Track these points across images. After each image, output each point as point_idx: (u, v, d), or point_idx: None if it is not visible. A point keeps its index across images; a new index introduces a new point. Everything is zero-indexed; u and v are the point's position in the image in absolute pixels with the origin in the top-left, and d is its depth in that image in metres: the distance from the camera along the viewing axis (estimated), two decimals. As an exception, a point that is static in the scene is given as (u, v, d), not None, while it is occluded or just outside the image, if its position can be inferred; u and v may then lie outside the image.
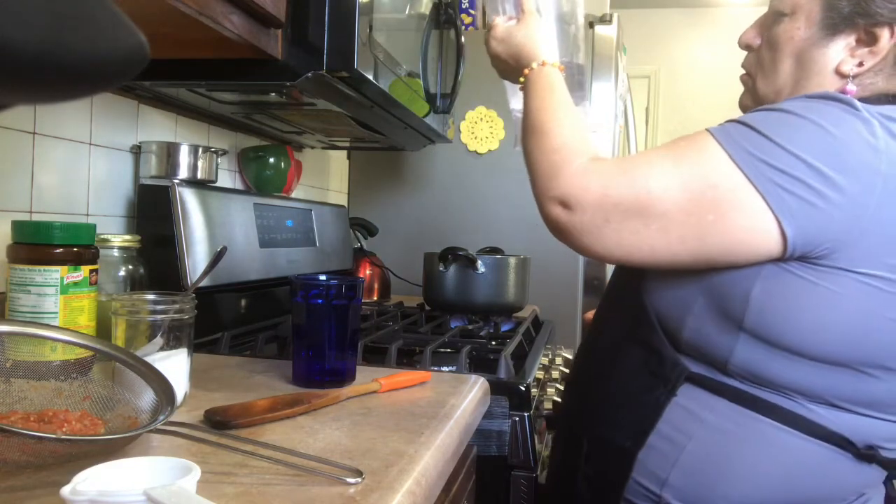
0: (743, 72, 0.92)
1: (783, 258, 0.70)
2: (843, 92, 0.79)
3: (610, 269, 2.11)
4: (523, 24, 0.99)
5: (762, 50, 0.88)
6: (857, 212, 0.67)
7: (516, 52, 0.96)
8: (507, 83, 1.08)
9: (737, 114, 0.80)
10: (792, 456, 0.74)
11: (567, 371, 1.43)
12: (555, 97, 0.87)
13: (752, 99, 0.90)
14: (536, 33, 0.97)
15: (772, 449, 0.74)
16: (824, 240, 0.68)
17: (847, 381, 0.73)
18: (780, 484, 0.75)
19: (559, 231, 0.76)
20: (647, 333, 0.81)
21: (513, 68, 0.98)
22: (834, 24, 0.80)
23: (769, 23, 0.87)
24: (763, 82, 0.87)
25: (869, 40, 0.78)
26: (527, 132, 0.85)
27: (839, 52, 0.80)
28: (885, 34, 0.77)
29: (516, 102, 1.06)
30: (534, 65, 0.93)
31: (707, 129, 0.73)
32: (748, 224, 0.68)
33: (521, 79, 0.94)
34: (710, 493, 0.75)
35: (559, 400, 1.19)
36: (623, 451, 0.80)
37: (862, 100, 0.75)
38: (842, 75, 0.80)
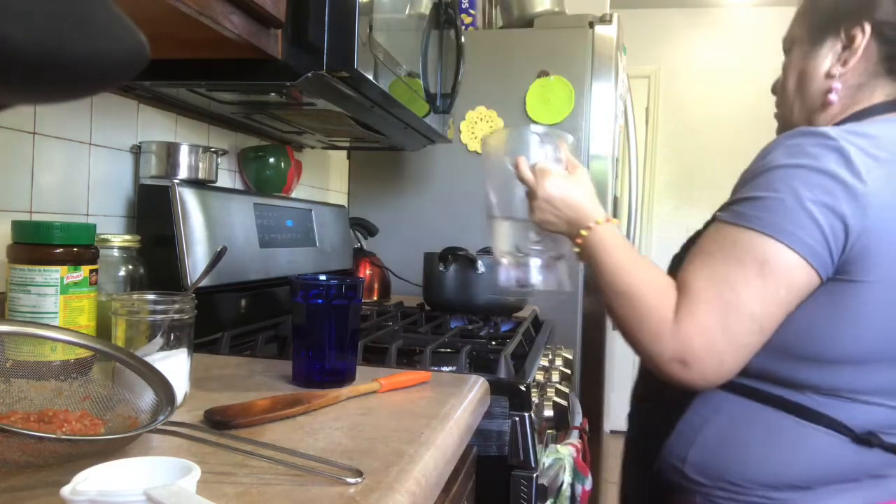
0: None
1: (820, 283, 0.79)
2: (830, 90, 0.91)
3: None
4: (578, 178, 0.99)
5: (780, 83, 1.01)
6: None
7: (576, 207, 0.96)
8: (496, 225, 1.07)
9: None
10: (792, 440, 0.83)
11: (568, 371, 1.43)
12: (629, 254, 0.90)
13: (779, 122, 1.01)
14: (591, 188, 0.99)
15: (775, 433, 0.84)
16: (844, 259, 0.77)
17: (848, 374, 0.81)
18: (782, 464, 0.83)
19: (686, 384, 0.82)
20: None
21: (569, 223, 0.97)
22: (817, 35, 0.92)
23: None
24: (786, 108, 0.98)
25: (848, 42, 0.89)
26: (612, 294, 0.88)
27: (827, 57, 0.92)
28: (858, 33, 0.88)
29: (504, 244, 1.06)
30: (596, 222, 0.94)
31: (722, 220, 0.82)
32: (805, 280, 0.78)
33: (583, 232, 0.94)
34: (721, 469, 0.86)
35: (560, 400, 1.19)
36: (658, 431, 0.92)
37: (859, 113, 0.88)
38: (829, 76, 0.91)
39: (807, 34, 0.95)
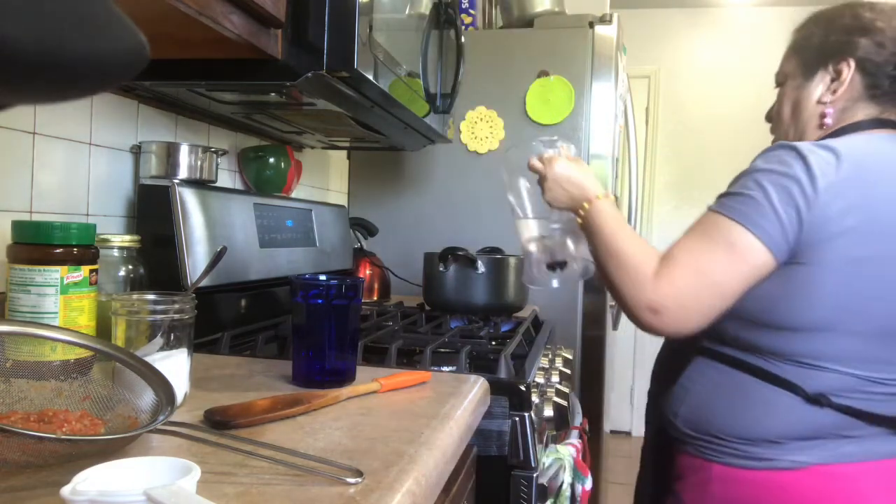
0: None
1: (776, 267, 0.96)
2: (823, 115, 1.08)
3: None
4: (580, 163, 1.20)
5: (774, 113, 1.18)
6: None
7: (579, 184, 1.15)
8: (521, 223, 1.27)
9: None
10: (759, 400, 0.99)
11: (568, 371, 1.43)
12: (623, 224, 1.08)
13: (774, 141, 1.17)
14: (591, 171, 1.18)
15: (746, 394, 1.00)
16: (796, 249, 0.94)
17: (802, 341, 0.96)
18: (753, 421, 0.99)
19: (653, 330, 0.98)
20: None
21: (573, 198, 1.15)
22: (809, 70, 1.10)
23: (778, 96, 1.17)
24: (783, 134, 1.16)
25: (836, 74, 1.06)
26: (604, 260, 1.05)
27: (818, 88, 1.09)
28: (844, 68, 1.05)
29: (529, 234, 1.25)
30: (597, 196, 1.12)
31: (710, 209, 1.00)
32: (764, 260, 0.94)
33: (585, 205, 1.12)
34: (706, 424, 1.03)
35: (560, 400, 1.19)
36: (658, 393, 1.13)
37: (838, 131, 1.06)
38: (821, 103, 1.08)
39: (799, 69, 1.12)
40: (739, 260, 0.94)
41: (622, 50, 2.21)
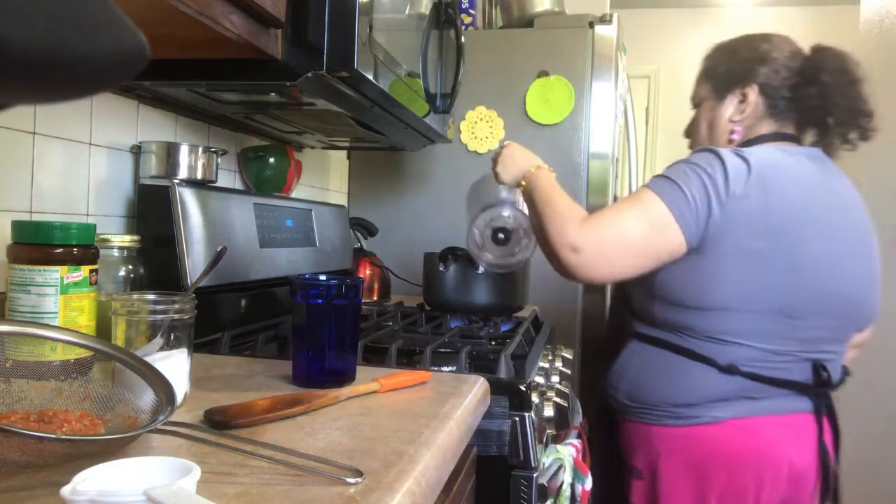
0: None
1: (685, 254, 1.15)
2: (732, 132, 1.31)
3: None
4: (525, 148, 1.43)
5: (693, 131, 1.40)
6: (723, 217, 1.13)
7: (523, 160, 1.37)
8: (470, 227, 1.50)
9: None
10: (681, 372, 1.20)
11: (568, 371, 1.43)
12: (557, 187, 1.27)
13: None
14: (533, 154, 1.41)
15: (670, 368, 1.21)
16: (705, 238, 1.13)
17: (713, 319, 1.16)
18: (678, 389, 1.20)
19: (569, 270, 1.15)
20: (623, 309, 1.34)
21: (517, 170, 1.37)
22: (720, 94, 1.32)
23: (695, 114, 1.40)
24: (693, 142, 1.40)
25: (743, 97, 1.28)
26: (540, 210, 1.23)
27: (728, 109, 1.30)
28: (750, 91, 1.27)
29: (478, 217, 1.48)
30: (538, 167, 1.34)
31: (645, 185, 1.18)
32: (676, 239, 1.13)
33: (532, 169, 1.33)
34: (641, 395, 1.25)
35: (560, 401, 1.19)
36: (603, 379, 1.32)
37: (746, 142, 1.28)
38: (732, 122, 1.30)
39: (712, 94, 1.33)
40: (659, 234, 1.12)
41: (622, 50, 2.21)
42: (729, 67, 1.30)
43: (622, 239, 1.12)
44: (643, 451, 1.25)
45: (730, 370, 1.16)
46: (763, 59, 1.25)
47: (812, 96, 1.22)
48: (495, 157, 1.42)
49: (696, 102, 1.37)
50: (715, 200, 1.11)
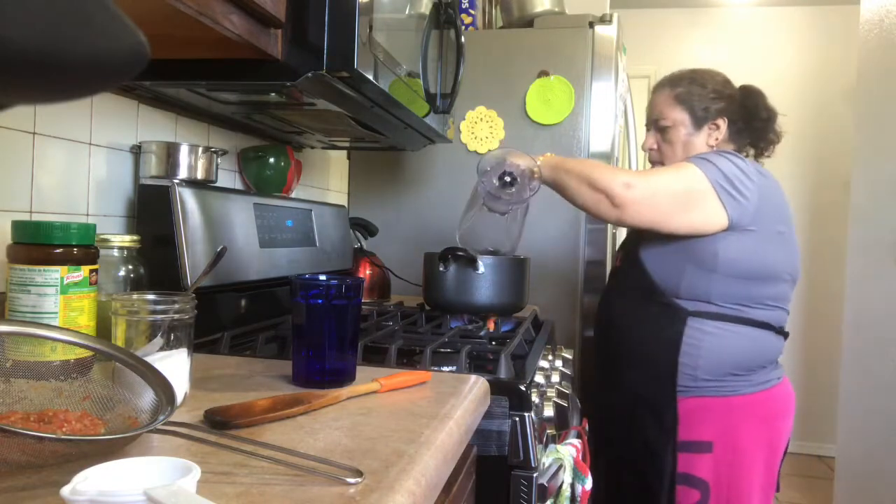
0: (651, 151, 1.61)
1: (727, 229, 1.38)
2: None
3: (608, 270, 2.11)
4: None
5: (663, 147, 1.56)
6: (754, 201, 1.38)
7: (531, 158, 1.50)
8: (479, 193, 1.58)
9: None
10: (750, 339, 1.41)
11: (568, 371, 1.43)
12: (574, 160, 1.56)
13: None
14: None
15: (742, 338, 1.41)
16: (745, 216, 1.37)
17: (762, 288, 1.40)
18: (750, 356, 1.42)
19: (623, 203, 1.34)
20: (659, 296, 1.45)
21: (531, 158, 1.49)
22: (699, 124, 1.53)
23: (660, 132, 1.57)
24: (668, 162, 1.55)
25: (716, 126, 1.53)
26: (578, 169, 1.41)
27: (705, 135, 1.53)
28: (721, 123, 1.52)
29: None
30: (542, 158, 1.49)
31: (688, 161, 1.42)
32: (710, 211, 1.37)
33: (539, 160, 1.48)
34: (717, 365, 1.40)
35: (560, 401, 1.19)
36: (666, 362, 1.42)
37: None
38: (708, 146, 1.53)
39: (689, 121, 1.53)
40: (699, 197, 1.36)
41: (622, 50, 2.21)
42: (705, 104, 1.52)
43: (668, 188, 1.36)
44: (715, 423, 1.40)
45: (780, 331, 1.44)
46: (729, 97, 1.54)
47: (757, 127, 1.55)
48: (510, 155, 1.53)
49: (669, 125, 1.53)
50: (747, 183, 1.36)
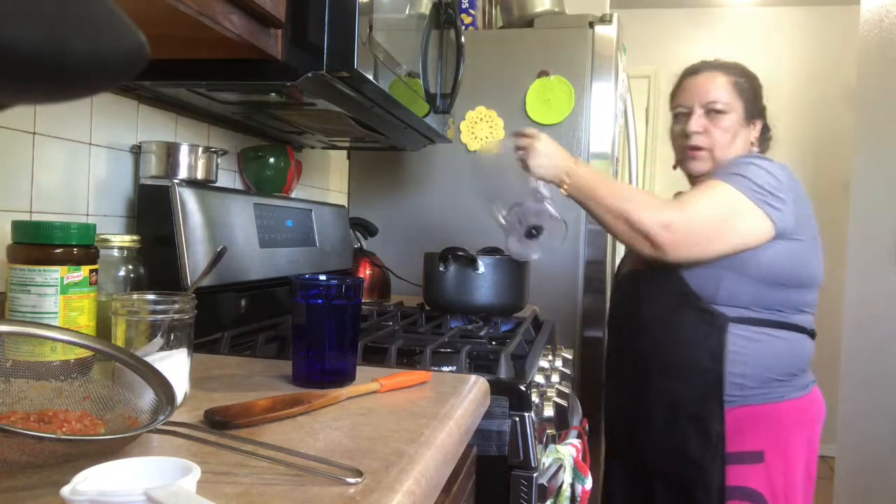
0: (699, 149, 1.48)
1: (773, 238, 1.33)
2: (750, 151, 1.48)
3: (608, 270, 2.11)
4: (549, 138, 1.43)
5: (714, 132, 1.45)
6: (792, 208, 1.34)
7: (558, 155, 1.40)
8: (493, 208, 1.52)
9: None
10: (792, 343, 1.38)
11: (568, 371, 1.43)
12: (609, 177, 1.38)
13: (712, 164, 1.47)
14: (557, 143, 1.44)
15: (784, 343, 1.37)
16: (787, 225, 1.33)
17: (802, 295, 1.38)
18: (795, 360, 1.38)
19: (664, 246, 1.28)
20: (695, 301, 1.37)
21: (554, 167, 1.39)
22: (748, 119, 1.47)
23: (710, 116, 1.45)
24: (721, 152, 1.45)
25: (754, 126, 1.48)
26: (608, 202, 1.33)
27: (747, 132, 1.48)
28: (759, 124, 1.49)
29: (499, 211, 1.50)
30: (573, 163, 1.38)
31: (717, 179, 1.35)
32: (754, 224, 1.32)
33: (572, 164, 1.38)
34: (764, 372, 1.35)
35: (560, 400, 1.19)
36: (710, 371, 1.35)
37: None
38: (749, 144, 1.48)
39: (742, 112, 1.46)
40: (740, 217, 1.30)
41: (622, 50, 2.21)
42: (754, 100, 1.47)
43: (707, 218, 1.30)
44: (765, 432, 1.35)
45: (813, 335, 1.42)
46: (763, 97, 1.51)
47: (768, 131, 1.55)
48: (524, 148, 1.40)
49: (725, 110, 1.44)
50: (781, 188, 1.32)
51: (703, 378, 1.35)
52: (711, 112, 1.44)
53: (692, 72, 1.51)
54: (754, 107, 1.47)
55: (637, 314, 1.47)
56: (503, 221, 1.45)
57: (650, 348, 1.43)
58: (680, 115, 1.50)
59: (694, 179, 1.51)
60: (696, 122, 1.45)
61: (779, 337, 1.35)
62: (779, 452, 1.34)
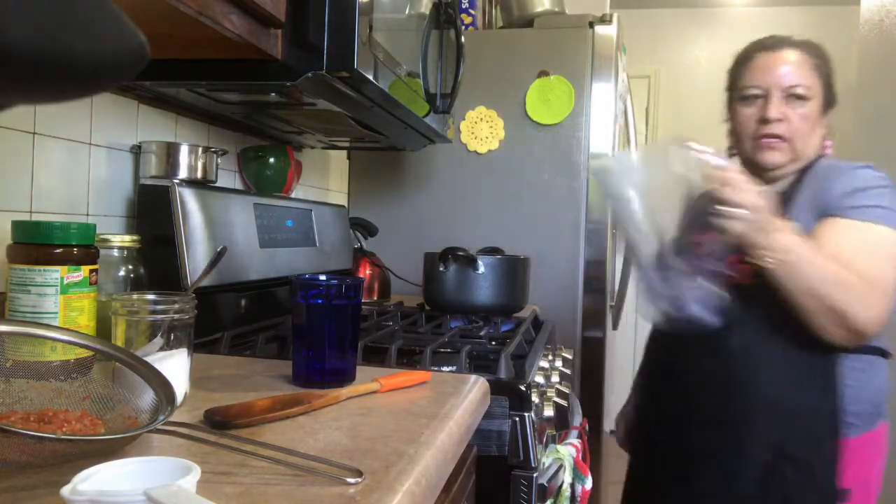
0: (774, 138, 1.26)
1: None
2: (826, 147, 1.32)
3: (608, 270, 2.11)
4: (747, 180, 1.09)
5: (795, 120, 1.25)
6: None
7: (767, 216, 1.07)
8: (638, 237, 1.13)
9: None
10: (883, 369, 1.26)
11: (568, 371, 1.43)
12: (818, 255, 1.10)
13: (792, 155, 1.27)
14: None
15: (879, 369, 1.26)
16: None
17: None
18: (884, 384, 1.28)
19: (870, 337, 1.14)
20: (786, 331, 1.14)
21: (757, 229, 1.06)
22: (827, 106, 1.28)
23: (791, 102, 1.25)
24: (802, 143, 1.26)
25: (830, 116, 1.29)
26: (821, 282, 1.08)
27: (824, 124, 1.28)
28: (831, 113, 1.29)
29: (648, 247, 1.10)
30: (781, 224, 1.09)
31: (867, 221, 1.14)
32: None
33: (778, 237, 1.07)
34: (866, 403, 1.24)
35: (560, 400, 1.19)
36: (819, 406, 1.18)
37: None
38: (822, 140, 1.30)
39: (821, 100, 1.27)
40: None
41: (622, 50, 2.21)
42: (830, 86, 1.29)
43: (892, 281, 1.13)
44: (852, 466, 1.19)
45: (886, 356, 1.26)
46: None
47: None
48: (722, 185, 1.05)
49: (808, 95, 1.25)
50: None
51: (812, 416, 1.18)
52: (791, 97, 1.25)
53: (767, 47, 1.29)
54: (831, 94, 1.29)
55: (731, 359, 1.21)
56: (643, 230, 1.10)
57: (750, 393, 1.20)
58: (750, 98, 1.28)
59: (760, 170, 1.28)
60: (776, 108, 1.24)
61: (873, 363, 1.25)
62: (862, 487, 1.23)
